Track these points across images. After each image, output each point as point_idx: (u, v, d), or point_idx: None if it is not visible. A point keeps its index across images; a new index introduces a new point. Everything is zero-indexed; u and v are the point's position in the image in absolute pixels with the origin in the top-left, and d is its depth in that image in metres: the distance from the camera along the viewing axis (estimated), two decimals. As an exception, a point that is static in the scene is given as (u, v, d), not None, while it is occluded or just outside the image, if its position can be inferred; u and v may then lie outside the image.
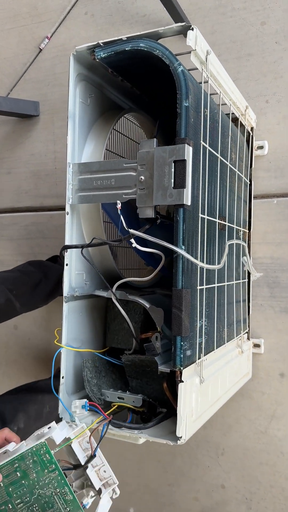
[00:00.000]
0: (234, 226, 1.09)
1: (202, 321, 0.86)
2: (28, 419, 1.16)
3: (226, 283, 1.01)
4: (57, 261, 1.46)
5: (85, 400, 0.83)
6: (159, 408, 0.88)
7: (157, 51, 0.77)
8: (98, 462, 0.75)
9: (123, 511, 1.48)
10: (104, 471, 0.75)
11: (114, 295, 0.90)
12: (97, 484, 0.73)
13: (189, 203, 0.76)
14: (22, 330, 1.64)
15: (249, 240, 1.27)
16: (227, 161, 1.00)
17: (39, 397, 1.23)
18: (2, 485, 0.69)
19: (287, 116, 1.26)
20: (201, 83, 0.85)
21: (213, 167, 0.91)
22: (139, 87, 1.04)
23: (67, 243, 0.90)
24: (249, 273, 1.23)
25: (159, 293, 1.05)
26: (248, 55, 1.30)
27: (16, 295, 1.21)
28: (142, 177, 0.80)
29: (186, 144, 0.74)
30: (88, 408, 0.82)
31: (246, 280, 1.23)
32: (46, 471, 0.70)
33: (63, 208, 0.90)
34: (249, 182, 1.25)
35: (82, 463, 0.73)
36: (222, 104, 0.97)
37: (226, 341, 1.02)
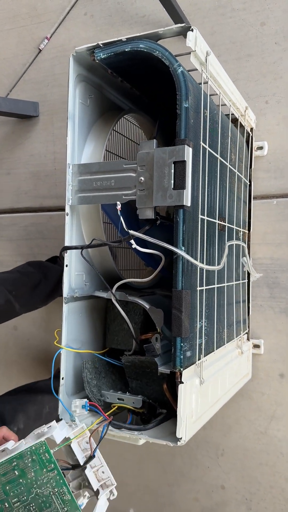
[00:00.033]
0: (234, 227, 1.09)
1: (202, 322, 0.86)
2: (28, 420, 1.16)
3: (226, 284, 1.01)
4: (56, 262, 1.46)
5: (85, 400, 0.83)
6: (159, 409, 0.88)
7: (157, 52, 0.77)
8: (97, 463, 0.75)
9: (123, 511, 1.48)
10: (103, 472, 0.75)
11: (114, 296, 0.90)
12: (95, 485, 0.73)
13: (189, 204, 0.76)
14: (22, 331, 1.63)
15: (248, 240, 1.27)
16: (227, 162, 1.00)
17: (38, 398, 1.23)
18: None
19: (286, 116, 1.26)
20: (200, 83, 0.85)
21: (213, 168, 0.91)
22: (139, 88, 1.04)
23: (66, 244, 0.90)
24: (249, 274, 1.23)
25: (159, 294, 1.05)
26: (248, 56, 1.30)
27: (16, 296, 1.20)
28: (142, 178, 0.80)
29: (186, 145, 0.74)
30: (88, 408, 0.82)
31: (246, 280, 1.23)
32: (44, 470, 0.69)
33: (63, 209, 0.90)
34: (248, 183, 1.25)
35: (81, 464, 0.73)
36: (221, 105, 0.97)
37: (226, 342, 1.02)
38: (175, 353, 0.77)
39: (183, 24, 0.76)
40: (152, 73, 0.88)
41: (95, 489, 0.73)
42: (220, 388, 0.97)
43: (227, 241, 1.01)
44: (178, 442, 0.76)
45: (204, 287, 0.86)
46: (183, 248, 0.76)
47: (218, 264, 0.93)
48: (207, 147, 0.85)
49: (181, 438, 0.76)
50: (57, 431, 0.71)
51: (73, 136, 0.91)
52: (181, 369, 0.77)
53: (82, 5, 1.53)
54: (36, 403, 1.22)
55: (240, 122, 1.14)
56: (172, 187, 0.76)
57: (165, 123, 1.10)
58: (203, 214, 0.85)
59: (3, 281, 1.21)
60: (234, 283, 1.09)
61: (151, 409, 0.90)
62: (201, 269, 0.84)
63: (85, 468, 0.73)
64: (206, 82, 0.86)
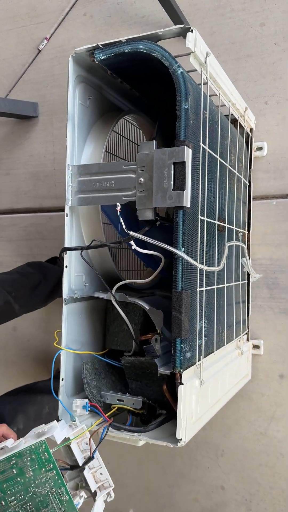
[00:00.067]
0: (234, 228, 1.09)
1: (202, 323, 0.86)
2: (28, 420, 1.16)
3: (225, 285, 1.01)
4: (56, 263, 1.46)
5: (86, 400, 0.83)
6: (159, 410, 0.88)
7: (156, 53, 0.77)
8: (96, 464, 0.75)
9: (123, 512, 1.48)
10: (101, 474, 0.75)
11: (114, 297, 0.90)
12: (93, 486, 0.73)
13: (188, 205, 0.76)
14: (21, 332, 1.63)
15: (248, 241, 1.27)
16: (227, 163, 1.00)
17: (38, 398, 1.23)
18: None
19: (286, 117, 1.26)
20: (200, 84, 0.85)
21: (212, 168, 0.91)
22: (139, 88, 1.04)
23: (66, 245, 0.90)
24: (248, 274, 1.23)
25: (158, 295, 1.05)
26: (247, 56, 1.30)
27: (15, 297, 1.20)
28: (142, 179, 0.80)
29: (185, 146, 0.74)
30: (89, 409, 0.82)
31: (246, 281, 1.23)
32: (43, 470, 0.69)
33: (62, 209, 0.90)
34: (248, 184, 1.25)
35: (80, 464, 0.73)
36: (221, 106, 0.97)
37: (225, 343, 1.02)
38: (175, 354, 0.77)
39: (182, 25, 0.76)
40: (151, 74, 0.88)
41: (92, 491, 0.73)
42: (220, 389, 0.97)
43: (227, 242, 1.01)
44: (178, 443, 0.76)
45: (204, 288, 0.86)
46: (183, 249, 0.76)
47: (218, 265, 0.93)
48: (206, 148, 0.85)
49: (181, 439, 0.76)
50: (57, 431, 0.71)
51: (72, 137, 0.91)
52: (181, 370, 0.77)
53: (82, 6, 1.53)
54: (35, 404, 1.22)
55: (239, 123, 1.14)
56: (172, 188, 0.76)
57: (165, 124, 1.10)
58: (202, 215, 0.85)
59: (2, 282, 1.20)
60: (234, 283, 1.09)
61: (151, 410, 0.90)
62: (201, 270, 0.84)
63: (84, 469, 0.73)
64: (205, 83, 0.86)
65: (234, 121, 1.12)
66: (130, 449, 1.43)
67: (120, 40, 0.80)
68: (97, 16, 1.50)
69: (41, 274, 1.32)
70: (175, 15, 1.28)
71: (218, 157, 0.93)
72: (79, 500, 0.72)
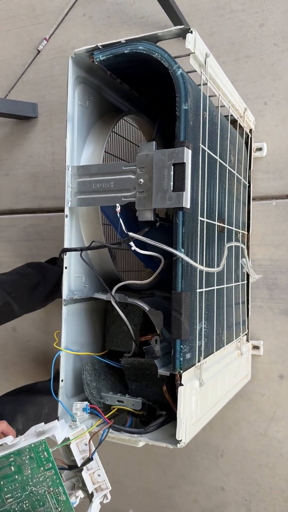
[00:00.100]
0: (233, 228, 1.09)
1: (201, 324, 0.86)
2: (27, 421, 1.16)
3: (225, 286, 1.01)
4: (55, 263, 1.46)
5: (86, 402, 0.83)
6: (159, 411, 0.88)
7: (156, 54, 0.77)
8: (94, 466, 0.75)
9: (123, 513, 1.47)
10: (99, 475, 0.74)
11: (113, 297, 0.90)
12: (90, 488, 0.73)
13: (188, 206, 0.76)
14: (21, 332, 1.63)
15: (248, 242, 1.27)
16: (226, 164, 1.00)
17: (38, 399, 1.23)
18: None
19: (285, 118, 1.26)
20: (199, 85, 0.85)
21: (212, 169, 0.91)
22: (138, 89, 1.04)
23: (66, 246, 0.90)
24: (248, 275, 1.23)
25: (158, 296, 1.05)
26: (247, 57, 1.30)
27: (15, 298, 1.20)
28: (141, 180, 0.80)
29: (185, 147, 0.74)
30: (89, 411, 0.82)
31: (245, 282, 1.23)
32: (41, 468, 0.69)
33: (62, 210, 0.90)
34: (247, 184, 1.25)
35: (78, 465, 0.73)
36: (220, 106, 0.97)
37: (225, 344, 1.02)
38: (175, 355, 0.77)
39: (182, 26, 0.76)
40: (151, 75, 0.88)
41: (90, 492, 0.73)
42: (219, 389, 0.97)
43: (227, 242, 1.01)
44: (178, 444, 0.76)
45: (204, 289, 0.86)
46: (182, 250, 0.76)
47: (218, 266, 0.92)
48: (206, 149, 0.85)
49: (181, 440, 0.76)
50: (58, 431, 0.71)
51: (72, 137, 0.91)
52: (181, 371, 0.77)
53: (81, 6, 1.53)
54: (35, 404, 1.22)
55: (239, 124, 1.14)
56: (172, 189, 0.76)
57: (165, 125, 1.10)
58: (202, 216, 0.85)
59: (2, 283, 1.20)
60: (233, 284, 1.09)
61: (150, 411, 0.90)
62: (201, 271, 0.84)
63: (82, 469, 0.73)
64: (205, 84, 0.86)
65: (234, 122, 1.12)
66: (130, 450, 1.42)
67: (120, 41, 0.80)
68: (96, 16, 1.50)
69: (41, 274, 1.32)
70: (175, 16, 1.28)
71: (217, 158, 0.93)
72: (75, 499, 0.72)
